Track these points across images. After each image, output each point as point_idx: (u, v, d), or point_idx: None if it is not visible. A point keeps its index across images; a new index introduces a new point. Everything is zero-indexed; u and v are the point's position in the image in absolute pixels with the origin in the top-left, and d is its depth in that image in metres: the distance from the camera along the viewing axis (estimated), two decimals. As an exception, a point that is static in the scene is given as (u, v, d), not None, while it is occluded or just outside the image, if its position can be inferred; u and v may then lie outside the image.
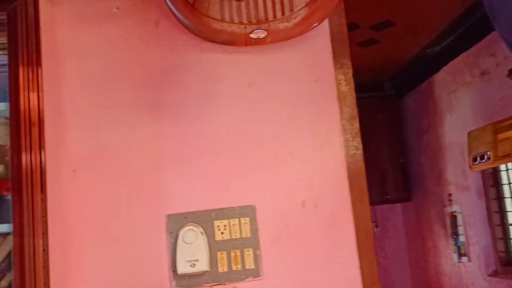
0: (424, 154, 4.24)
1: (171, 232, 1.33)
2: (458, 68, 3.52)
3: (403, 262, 4.80)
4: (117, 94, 1.40)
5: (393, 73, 4.38)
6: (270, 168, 1.40)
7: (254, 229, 1.35)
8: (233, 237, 1.34)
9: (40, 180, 1.25)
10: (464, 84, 3.46)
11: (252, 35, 1.32)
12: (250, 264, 1.33)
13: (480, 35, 3.10)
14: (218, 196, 1.36)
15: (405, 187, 4.46)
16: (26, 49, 1.28)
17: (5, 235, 1.28)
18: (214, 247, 1.33)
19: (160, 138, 1.38)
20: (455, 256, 3.70)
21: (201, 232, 1.32)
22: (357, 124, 1.48)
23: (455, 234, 3.65)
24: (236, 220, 1.35)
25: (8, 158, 1.28)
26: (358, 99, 1.49)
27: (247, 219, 1.35)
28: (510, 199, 3.28)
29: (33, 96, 1.27)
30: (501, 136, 0.98)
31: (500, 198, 3.41)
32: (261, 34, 1.32)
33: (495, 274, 3.37)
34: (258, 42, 1.36)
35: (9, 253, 1.26)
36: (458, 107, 3.57)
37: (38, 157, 1.25)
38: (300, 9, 1.32)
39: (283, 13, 1.31)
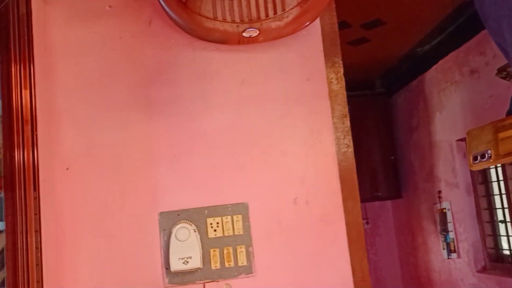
0: (414, 152, 4.28)
1: (164, 230, 1.33)
2: (448, 67, 3.55)
3: (393, 258, 4.84)
4: (110, 92, 1.40)
5: (384, 72, 4.41)
6: (263, 165, 1.41)
7: (247, 226, 1.36)
8: (226, 234, 1.35)
9: (33, 177, 1.25)
10: (454, 82, 3.49)
11: (244, 34, 1.33)
12: (242, 261, 1.35)
13: (470, 34, 3.14)
14: (211, 194, 1.37)
15: (395, 184, 4.50)
16: (18, 46, 1.28)
17: (-2, 233, 1.28)
18: (207, 244, 1.34)
19: (153, 136, 1.39)
20: (444, 252, 3.74)
21: (194, 229, 1.33)
22: (348, 122, 1.49)
23: (445, 230, 3.69)
24: (229, 217, 1.36)
25: (0, 155, 1.28)
26: (349, 97, 1.51)
27: (240, 216, 1.36)
28: (498, 196, 3.32)
29: (26, 93, 1.27)
30: (502, 135, 0.99)
31: (489, 195, 3.45)
32: (254, 33, 1.33)
33: (484, 270, 3.41)
34: (251, 40, 1.37)
35: (2, 251, 1.26)
36: (447, 105, 3.61)
37: (31, 154, 1.25)
38: (292, 8, 1.33)
39: (275, 12, 1.32)
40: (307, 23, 1.40)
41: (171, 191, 1.37)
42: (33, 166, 1.25)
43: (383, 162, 4.49)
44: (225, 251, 1.34)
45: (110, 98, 1.40)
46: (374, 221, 4.84)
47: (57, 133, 1.37)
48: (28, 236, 1.22)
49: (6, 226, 1.21)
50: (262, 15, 1.32)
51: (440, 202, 3.78)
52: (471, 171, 3.42)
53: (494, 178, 3.32)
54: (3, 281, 1.26)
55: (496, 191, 3.33)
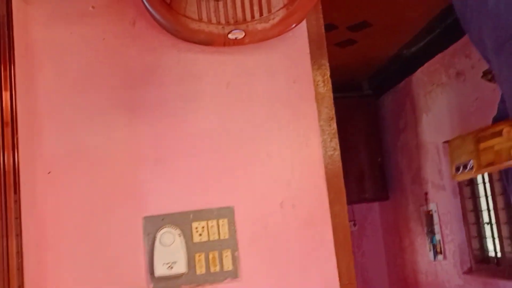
0: (401, 154, 4.30)
1: (149, 234, 1.31)
2: (434, 69, 3.57)
3: (380, 260, 4.85)
4: (93, 94, 1.38)
5: (371, 73, 4.43)
6: (248, 169, 1.40)
7: (233, 231, 1.35)
8: (211, 238, 1.33)
9: (13, 181, 1.22)
10: (440, 84, 3.51)
11: (230, 36, 1.32)
12: (228, 265, 1.33)
13: (456, 36, 3.16)
14: (196, 198, 1.35)
15: (382, 186, 4.51)
16: (-2, 47, 1.25)
17: (-23, 238, 1.25)
18: (192, 249, 1.32)
19: (137, 139, 1.37)
20: (431, 254, 3.76)
21: (179, 234, 1.31)
22: (334, 125, 1.48)
23: (431, 232, 3.71)
24: (214, 221, 1.34)
25: (-20, 159, 1.25)
26: (336, 99, 1.50)
27: (225, 220, 1.34)
28: (484, 198, 3.35)
29: (6, 95, 1.24)
30: (483, 145, 0.99)
31: (475, 197, 3.47)
32: (239, 34, 1.32)
33: (470, 271, 3.43)
34: (236, 42, 1.36)
35: (-19, 257, 1.23)
36: (434, 107, 3.63)
37: (11, 157, 1.22)
38: (278, 10, 1.32)
39: (261, 14, 1.31)
40: (293, 25, 1.39)
41: (156, 195, 1.34)
42: (13, 169, 1.22)
43: (370, 163, 4.50)
44: (210, 256, 1.33)
45: (93, 100, 1.38)
46: (361, 223, 4.84)
47: (39, 135, 1.35)
48: (9, 240, 1.19)
49: (-14, 230, 1.18)
50: (248, 17, 1.31)
51: (426, 203, 3.80)
52: (457, 173, 3.44)
53: (480, 180, 3.34)
54: (-18, 287, 1.23)
55: (482, 193, 3.36)
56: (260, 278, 1.35)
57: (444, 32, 3.29)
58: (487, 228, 3.31)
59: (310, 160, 1.43)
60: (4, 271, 1.17)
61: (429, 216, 3.74)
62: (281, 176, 1.41)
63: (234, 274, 1.33)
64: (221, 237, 1.34)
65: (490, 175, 3.15)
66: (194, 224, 1.33)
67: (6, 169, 1.21)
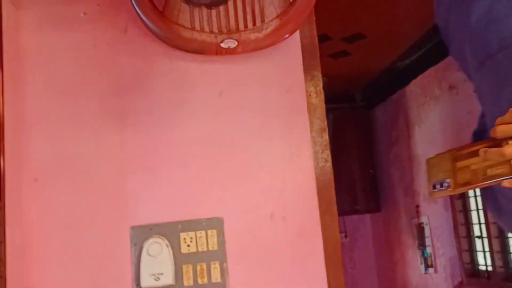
0: (393, 166, 4.30)
1: (136, 244, 1.29)
2: (427, 82, 3.59)
3: (371, 272, 4.83)
4: (83, 100, 1.36)
5: (364, 85, 4.44)
6: (239, 179, 1.38)
7: (222, 242, 1.33)
8: (200, 250, 1.31)
9: (-1, 188, 1.20)
10: (433, 97, 3.52)
11: (222, 45, 1.31)
12: (216, 277, 1.31)
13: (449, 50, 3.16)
14: (185, 208, 1.33)
15: (374, 198, 4.51)
16: (-13, 52, 1.23)
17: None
18: (179, 260, 1.30)
19: (126, 147, 1.35)
20: (422, 267, 3.75)
21: (167, 244, 1.29)
22: (326, 137, 1.47)
23: (422, 245, 3.70)
24: (203, 232, 1.32)
25: (-35, 165, 1.22)
26: (329, 110, 1.49)
27: (214, 231, 1.32)
28: (476, 211, 3.34)
29: (-6, 101, 1.22)
30: (460, 164, 1.00)
31: (466, 210, 3.47)
32: (232, 44, 1.31)
33: (460, 285, 3.42)
34: (229, 52, 1.34)
35: (-36, 265, 1.20)
36: (427, 120, 3.63)
37: (-3, 164, 1.20)
38: (271, 20, 1.31)
39: (254, 24, 1.30)
40: (287, 36, 1.38)
41: (144, 204, 1.32)
42: (-1, 176, 1.20)
43: (363, 175, 4.49)
44: (198, 267, 1.30)
45: (82, 107, 1.36)
46: (353, 235, 4.83)
47: (26, 142, 1.32)
48: (-8, 248, 1.16)
49: (-31, 238, 1.16)
50: (241, 26, 1.30)
51: (418, 216, 3.79)
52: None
53: (471, 194, 3.34)
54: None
55: (473, 206, 3.35)
56: (248, 290, 1.33)
57: (437, 45, 3.31)
58: (478, 242, 3.30)
59: (301, 171, 1.42)
60: (-13, 279, 1.15)
61: (420, 229, 3.73)
62: (272, 187, 1.39)
63: (222, 286, 1.31)
64: (210, 248, 1.32)
65: (482, 188, 3.14)
66: (183, 235, 1.31)
67: (-8, 176, 1.19)
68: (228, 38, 1.29)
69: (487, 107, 1.26)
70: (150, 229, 1.30)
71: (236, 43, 1.32)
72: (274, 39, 1.36)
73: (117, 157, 1.34)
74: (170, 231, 1.30)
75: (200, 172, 1.36)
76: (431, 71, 3.49)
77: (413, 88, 3.81)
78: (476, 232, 3.32)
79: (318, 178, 1.43)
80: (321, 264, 1.38)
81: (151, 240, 1.28)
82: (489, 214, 3.09)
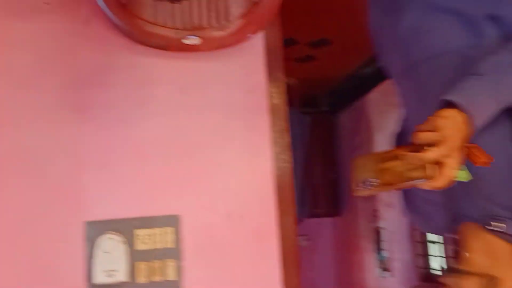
0: (354, 171, 4.34)
1: (89, 240, 1.26)
2: (389, 89, 3.65)
3: (330, 276, 4.88)
4: (40, 92, 1.33)
5: (329, 90, 4.49)
6: (198, 177, 1.37)
7: (178, 240, 1.32)
8: (156, 247, 1.30)
9: None
10: (393, 104, 3.59)
11: (185, 41, 1.30)
12: (171, 275, 1.29)
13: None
14: (142, 205, 1.32)
15: (335, 202, 4.56)
16: None
17: None
18: (134, 257, 1.28)
19: (83, 142, 1.32)
20: (378, 270, 3.81)
21: (122, 241, 1.27)
22: (287, 138, 1.48)
23: (379, 249, 3.76)
24: (160, 229, 1.31)
25: None
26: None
27: (171, 229, 1.31)
28: (431, 217, 3.42)
29: None
30: (383, 165, 1.10)
31: (422, 216, 3.54)
32: (195, 40, 1.30)
33: (414, 289, 3.49)
34: (192, 48, 1.34)
35: None
36: (387, 126, 3.71)
37: None
38: (236, 19, 1.31)
39: (218, 22, 1.30)
40: (251, 35, 1.39)
41: (100, 200, 1.30)
42: None
43: (324, 179, 4.54)
44: (153, 265, 1.29)
45: (39, 98, 1.32)
46: (314, 238, 4.87)
47: (-22, 132, 1.28)
48: None
49: None
50: (205, 23, 1.29)
51: (376, 221, 3.86)
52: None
53: (428, 199, 3.42)
54: None
55: (429, 212, 3.43)
56: (204, 289, 1.33)
57: (400, 54, 3.38)
58: (433, 246, 3.39)
59: (261, 172, 1.42)
60: None
61: (378, 233, 3.80)
62: (231, 186, 1.39)
63: (177, 285, 1.30)
64: (166, 246, 1.30)
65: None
66: (138, 232, 1.29)
67: None
68: (191, 34, 1.28)
69: (410, 112, 1.34)
70: (105, 225, 1.28)
71: (200, 40, 1.31)
72: (238, 38, 1.37)
73: (73, 152, 1.31)
74: (126, 228, 1.29)
75: (158, 170, 1.35)
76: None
77: (376, 95, 3.88)
78: (431, 237, 3.41)
79: (278, 178, 1.43)
80: (277, 265, 1.38)
81: (105, 236, 1.26)
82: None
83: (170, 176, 1.35)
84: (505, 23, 1.16)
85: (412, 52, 1.26)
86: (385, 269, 3.72)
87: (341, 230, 4.70)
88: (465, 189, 1.12)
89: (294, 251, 1.44)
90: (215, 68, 1.43)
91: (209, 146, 1.39)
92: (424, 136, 1.00)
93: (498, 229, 1.08)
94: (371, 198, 3.97)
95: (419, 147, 0.99)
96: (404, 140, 1.36)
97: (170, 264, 1.30)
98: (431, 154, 0.97)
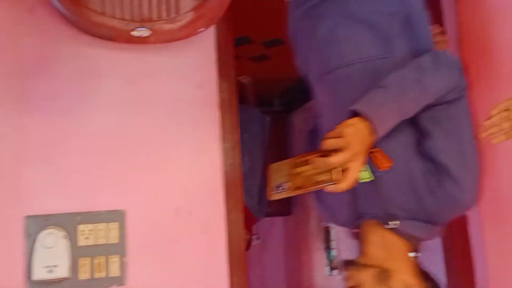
0: (306, 170, 4.39)
1: (30, 235, 1.22)
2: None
3: (280, 274, 4.91)
4: (-21, 81, 1.27)
5: (282, 90, 4.52)
6: (144, 172, 1.35)
7: (123, 235, 1.29)
8: (99, 242, 1.27)
9: None
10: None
11: (134, 33, 1.27)
12: (115, 271, 1.27)
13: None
14: (85, 199, 1.28)
15: (286, 201, 4.58)
16: None
17: None
18: (77, 252, 1.24)
19: (24, 133, 1.27)
20: (327, 269, 3.87)
21: (63, 236, 1.23)
22: (237, 134, 1.48)
23: (328, 248, 3.82)
24: (103, 225, 1.28)
25: None
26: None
27: (115, 224, 1.28)
28: (379, 216, 3.50)
29: None
30: (295, 170, 1.17)
31: (370, 215, 3.62)
32: (144, 32, 1.28)
33: (361, 286, 3.57)
34: (141, 40, 1.32)
35: None
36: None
37: None
38: (186, 12, 1.30)
39: (168, 14, 1.28)
40: (201, 29, 1.38)
41: (40, 193, 1.25)
42: None
43: (277, 178, 4.56)
44: (96, 261, 1.26)
45: (-23, 87, 1.27)
46: (264, 237, 4.89)
47: None
48: None
49: None
50: (154, 15, 1.28)
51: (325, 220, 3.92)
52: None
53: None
54: None
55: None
56: (149, 285, 1.31)
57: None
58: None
59: (209, 167, 1.42)
60: None
61: (327, 232, 3.86)
62: (179, 182, 1.38)
63: (120, 281, 1.27)
64: (110, 242, 1.28)
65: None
66: (81, 227, 1.25)
67: None
68: (140, 26, 1.26)
69: (324, 114, 1.41)
70: (46, 219, 1.23)
71: (149, 32, 1.29)
72: (188, 31, 1.35)
73: (14, 143, 1.26)
74: (68, 223, 1.25)
75: (103, 164, 1.32)
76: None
77: (328, 96, 3.93)
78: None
79: (226, 174, 1.43)
80: (224, 261, 1.38)
81: (46, 231, 1.22)
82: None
83: (116, 171, 1.32)
84: (415, 40, 1.26)
85: (329, 59, 1.33)
86: (333, 268, 3.78)
87: (292, 229, 4.75)
88: (368, 190, 1.25)
89: (241, 247, 1.44)
90: (165, 61, 1.41)
91: (156, 141, 1.37)
92: (330, 143, 1.07)
93: (393, 226, 1.22)
94: (321, 198, 4.03)
95: (328, 153, 1.07)
96: (315, 137, 1.46)
97: (114, 260, 1.27)
98: (336, 159, 1.05)
